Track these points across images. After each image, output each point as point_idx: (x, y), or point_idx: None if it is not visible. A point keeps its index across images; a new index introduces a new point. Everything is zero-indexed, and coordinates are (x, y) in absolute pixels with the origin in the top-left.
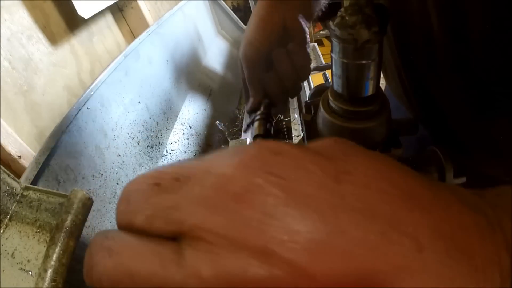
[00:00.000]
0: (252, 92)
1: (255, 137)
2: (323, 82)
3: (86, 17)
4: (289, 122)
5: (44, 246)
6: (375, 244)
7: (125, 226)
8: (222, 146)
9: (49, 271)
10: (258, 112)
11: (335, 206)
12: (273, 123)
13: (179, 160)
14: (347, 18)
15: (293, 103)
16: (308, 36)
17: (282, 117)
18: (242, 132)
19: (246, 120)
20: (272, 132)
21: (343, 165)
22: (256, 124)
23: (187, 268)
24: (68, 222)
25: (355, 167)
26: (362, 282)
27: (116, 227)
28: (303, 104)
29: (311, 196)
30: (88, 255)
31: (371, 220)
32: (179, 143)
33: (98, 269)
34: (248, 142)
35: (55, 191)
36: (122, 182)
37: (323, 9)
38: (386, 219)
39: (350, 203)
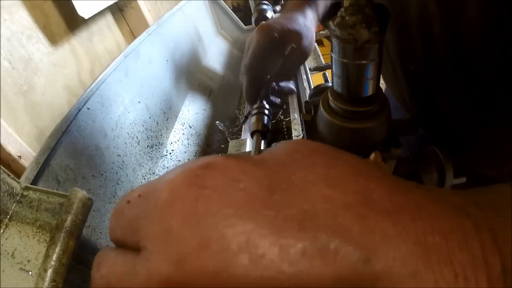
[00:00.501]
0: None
1: (253, 133)
2: (323, 82)
3: (86, 17)
4: (289, 122)
5: (44, 246)
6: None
7: (112, 241)
8: (222, 146)
9: (49, 271)
10: (255, 106)
11: (262, 215)
12: (271, 119)
13: (179, 161)
14: (347, 18)
15: (293, 103)
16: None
17: (282, 117)
18: (242, 132)
19: (246, 109)
20: (270, 127)
21: (283, 172)
22: (253, 119)
23: (134, 273)
24: (68, 222)
25: (300, 175)
26: None
27: None
28: (303, 104)
29: (235, 204)
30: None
31: (296, 230)
32: (179, 143)
33: (93, 282)
34: (248, 142)
35: (55, 191)
36: (122, 182)
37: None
38: (323, 228)
39: (282, 210)
